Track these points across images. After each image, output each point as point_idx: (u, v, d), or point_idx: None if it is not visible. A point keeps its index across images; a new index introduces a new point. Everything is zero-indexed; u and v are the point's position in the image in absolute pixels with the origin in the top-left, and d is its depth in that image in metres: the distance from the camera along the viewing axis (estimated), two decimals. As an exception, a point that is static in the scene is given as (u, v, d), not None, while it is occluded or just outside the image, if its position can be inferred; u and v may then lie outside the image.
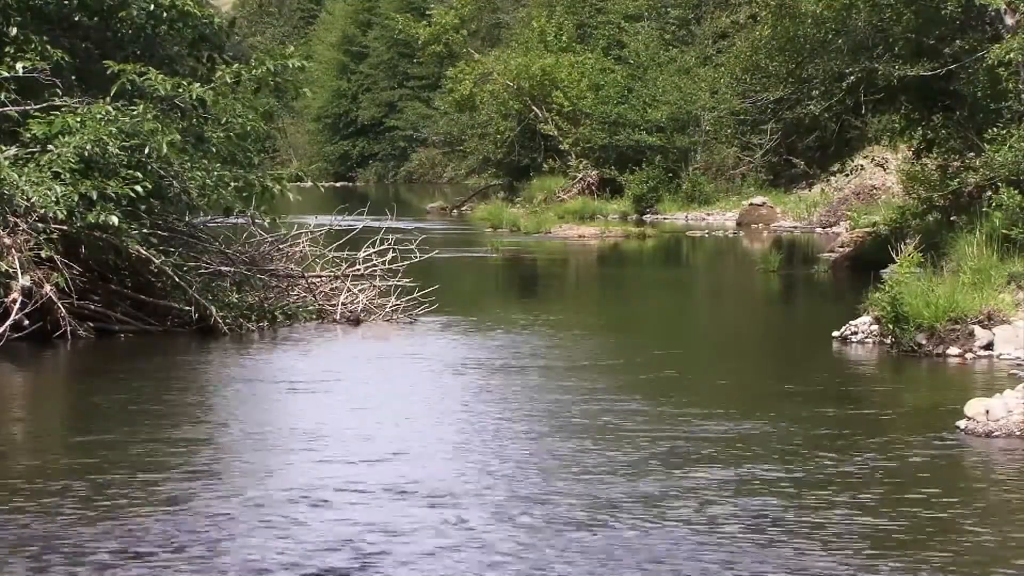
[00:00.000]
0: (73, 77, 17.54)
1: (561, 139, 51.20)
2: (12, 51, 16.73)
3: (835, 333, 16.44)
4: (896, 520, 8.30)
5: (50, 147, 15.88)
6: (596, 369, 14.69)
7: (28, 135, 16.14)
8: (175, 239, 17.59)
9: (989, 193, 20.00)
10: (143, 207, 16.41)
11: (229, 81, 17.61)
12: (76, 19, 17.67)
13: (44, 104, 16.45)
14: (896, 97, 24.27)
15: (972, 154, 21.90)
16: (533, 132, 52.54)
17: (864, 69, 22.73)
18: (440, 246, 25.01)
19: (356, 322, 18.08)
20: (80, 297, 15.96)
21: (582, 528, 8.09)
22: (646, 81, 50.90)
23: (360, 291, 18.57)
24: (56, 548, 7.64)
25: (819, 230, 39.71)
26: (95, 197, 15.54)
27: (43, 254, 15.41)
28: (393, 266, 19.40)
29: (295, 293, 18.69)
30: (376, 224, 22.02)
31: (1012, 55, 19.66)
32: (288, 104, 64.11)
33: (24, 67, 16.51)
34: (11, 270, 15.10)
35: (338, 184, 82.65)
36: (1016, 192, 18.65)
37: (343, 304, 18.27)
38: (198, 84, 17.24)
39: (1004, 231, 18.09)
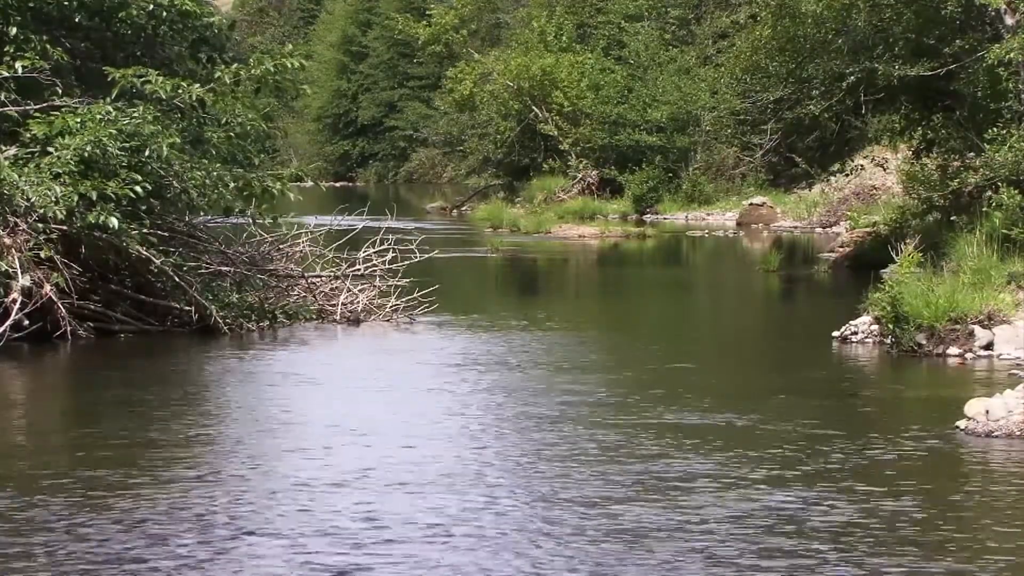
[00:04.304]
0: (73, 77, 17.56)
1: (561, 139, 51.18)
2: (12, 51, 16.74)
3: (835, 333, 16.44)
4: (894, 518, 8.30)
5: (50, 148, 15.89)
6: (597, 367, 14.69)
7: (28, 135, 16.16)
8: (175, 239, 17.59)
9: (989, 193, 20.01)
10: (143, 207, 16.42)
11: (229, 81, 17.62)
12: (76, 19, 17.66)
13: (44, 104, 16.46)
14: (896, 97, 24.27)
15: (972, 154, 21.90)
16: (533, 132, 52.50)
17: (864, 69, 22.73)
18: (440, 246, 25.01)
19: (356, 322, 18.08)
20: (80, 297, 15.97)
21: (587, 513, 8.10)
22: (646, 81, 50.89)
23: (360, 291, 18.58)
24: (58, 547, 7.65)
25: (819, 230, 39.70)
26: (95, 198, 15.55)
27: (43, 254, 15.41)
28: (393, 266, 19.41)
29: (295, 293, 18.69)
30: (376, 224, 22.03)
31: (1012, 55, 19.67)
32: (288, 104, 64.15)
33: (24, 66, 16.52)
34: (11, 270, 15.11)
35: (338, 184, 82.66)
36: (1016, 192, 18.66)
37: (343, 304, 18.28)
38: (198, 85, 17.26)
39: (1004, 231, 18.09)
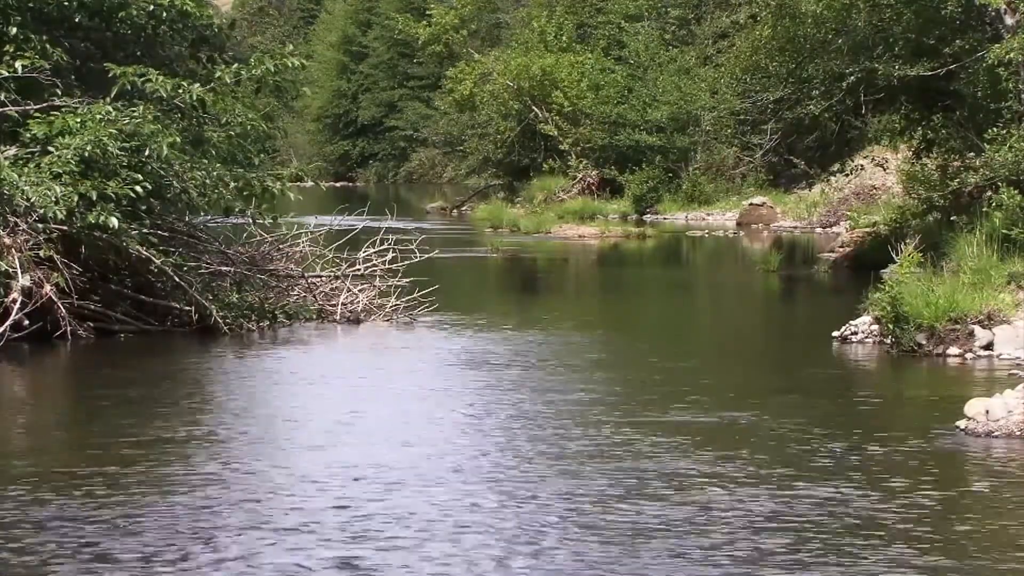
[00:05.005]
0: (73, 77, 17.56)
1: (561, 139, 51.19)
2: (12, 51, 16.74)
3: (835, 333, 16.44)
4: (894, 517, 8.30)
5: (50, 148, 15.90)
6: (597, 366, 14.70)
7: (28, 135, 16.16)
8: (175, 239, 17.60)
9: (989, 193, 20.01)
10: (143, 207, 16.43)
11: (229, 81, 17.62)
12: (76, 19, 17.67)
13: (44, 104, 16.47)
14: (896, 97, 24.27)
15: (972, 154, 21.89)
16: (533, 132, 52.53)
17: (864, 69, 22.73)
18: (440, 246, 25.01)
19: (356, 322, 18.09)
20: (80, 297, 15.97)
21: (591, 510, 8.11)
22: (646, 81, 50.91)
23: (360, 291, 18.58)
24: (59, 545, 7.66)
25: (819, 230, 39.71)
26: (95, 197, 15.56)
27: (43, 254, 15.42)
28: (393, 266, 19.41)
29: (295, 293, 18.70)
30: (376, 224, 22.03)
31: (1012, 55, 19.66)
32: (288, 104, 64.15)
33: (24, 66, 16.52)
34: (11, 270, 15.11)
35: (338, 184, 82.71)
36: (1016, 192, 18.66)
37: (343, 304, 18.28)
38: (198, 84, 17.26)
39: (1004, 231, 18.09)
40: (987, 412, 10.77)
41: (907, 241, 17.78)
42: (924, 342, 15.11)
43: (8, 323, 14.98)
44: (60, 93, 16.62)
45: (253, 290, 18.11)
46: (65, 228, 15.63)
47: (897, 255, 17.25)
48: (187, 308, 16.64)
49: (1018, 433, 10.54)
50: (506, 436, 10.86)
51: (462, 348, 16.15)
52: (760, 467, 9.63)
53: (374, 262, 19.42)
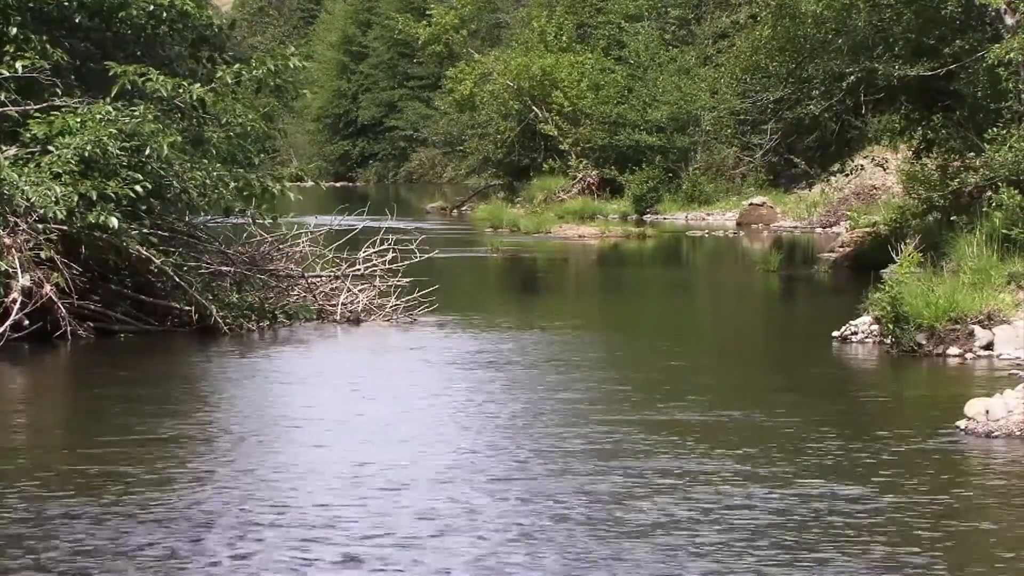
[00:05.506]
0: (73, 77, 17.56)
1: (561, 139, 51.19)
2: (12, 51, 16.74)
3: (835, 333, 16.44)
4: (894, 517, 8.31)
5: (50, 148, 15.90)
6: (598, 366, 14.70)
7: (28, 135, 16.16)
8: (175, 239, 17.60)
9: (989, 193, 20.01)
10: (143, 207, 16.43)
11: (229, 81, 17.62)
12: (76, 19, 17.67)
13: (44, 104, 16.47)
14: (896, 97, 24.27)
15: (972, 154, 21.90)
16: (533, 132, 52.52)
17: (864, 69, 22.74)
18: (440, 246, 25.00)
19: (356, 322, 18.09)
20: (80, 297, 15.97)
21: (593, 509, 8.12)
22: (646, 81, 50.91)
23: (360, 291, 18.58)
24: (59, 544, 7.66)
25: (819, 230, 39.71)
26: (95, 197, 15.56)
27: (43, 254, 15.42)
28: (393, 266, 19.41)
29: (295, 293, 18.70)
30: (376, 224, 22.03)
31: (1012, 55, 19.67)
32: (288, 104, 64.16)
33: (24, 66, 16.52)
34: (11, 270, 15.12)
35: (338, 184, 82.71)
36: (1016, 192, 18.66)
37: (343, 304, 18.28)
38: (198, 84, 17.27)
39: (1004, 231, 18.09)
40: (987, 412, 10.77)
41: (907, 241, 17.78)
42: (924, 342, 15.11)
43: (8, 323, 14.98)
44: (60, 93, 16.62)
45: (253, 290, 18.11)
46: (65, 228, 15.63)
47: (897, 255, 17.25)
48: (187, 308, 16.64)
49: (1018, 433, 10.54)
50: (506, 436, 10.87)
51: (462, 348, 16.16)
52: (759, 466, 9.63)
53: (374, 262, 19.42)
